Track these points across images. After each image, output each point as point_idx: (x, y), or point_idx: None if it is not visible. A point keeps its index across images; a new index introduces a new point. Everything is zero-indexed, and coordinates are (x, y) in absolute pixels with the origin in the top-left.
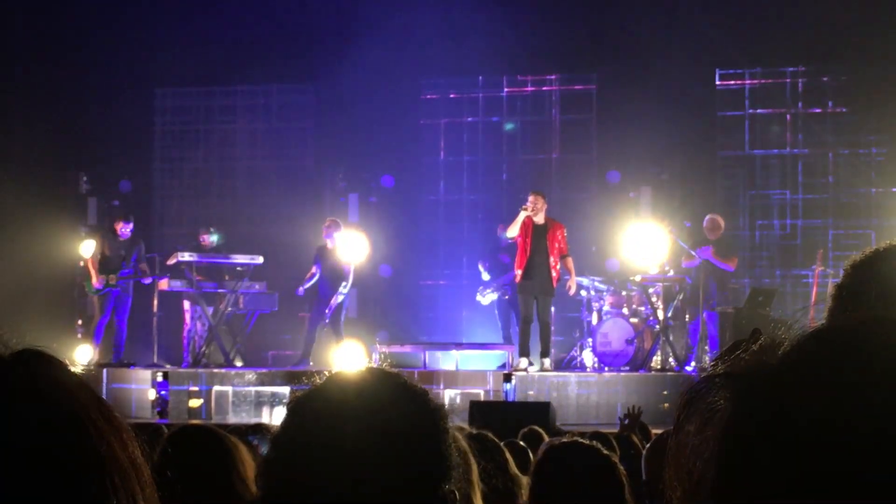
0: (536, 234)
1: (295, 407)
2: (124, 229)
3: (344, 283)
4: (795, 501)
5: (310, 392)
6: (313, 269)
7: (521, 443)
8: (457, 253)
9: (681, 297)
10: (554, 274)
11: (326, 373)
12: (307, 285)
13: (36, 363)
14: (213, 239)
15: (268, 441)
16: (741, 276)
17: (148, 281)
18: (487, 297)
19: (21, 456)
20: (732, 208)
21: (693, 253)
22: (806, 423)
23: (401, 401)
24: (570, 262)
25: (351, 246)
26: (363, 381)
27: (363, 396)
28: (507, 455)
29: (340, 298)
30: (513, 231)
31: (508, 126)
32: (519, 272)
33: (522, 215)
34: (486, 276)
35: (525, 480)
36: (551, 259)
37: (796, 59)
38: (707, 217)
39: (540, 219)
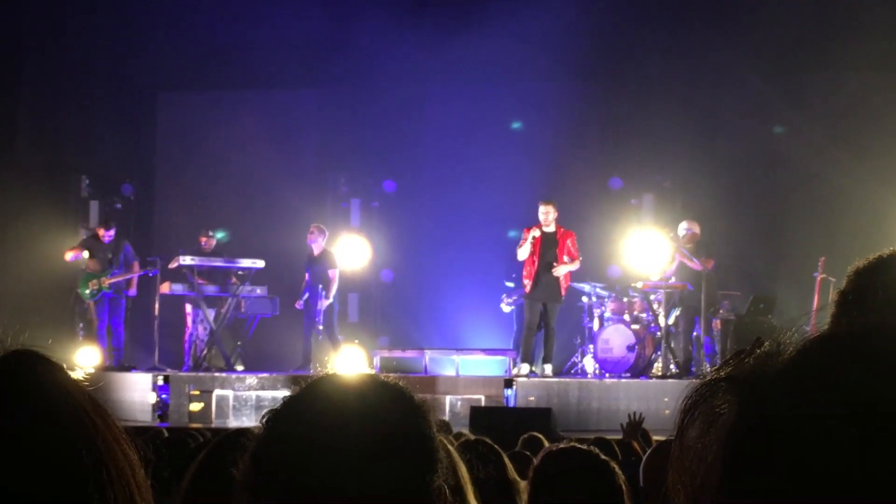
0: (546, 243)
1: (280, 410)
2: (106, 235)
3: (322, 287)
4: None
5: (294, 396)
6: (307, 278)
7: (527, 452)
8: (459, 258)
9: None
10: (563, 282)
11: (308, 379)
12: (305, 297)
13: (32, 363)
14: (217, 237)
15: (254, 442)
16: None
17: (135, 278)
18: (509, 306)
19: (19, 453)
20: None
21: (694, 261)
22: (810, 426)
23: (383, 397)
24: (574, 264)
25: (350, 251)
26: (345, 382)
27: (347, 395)
28: (506, 459)
29: (326, 304)
30: (523, 253)
31: (515, 125)
32: (528, 281)
33: (530, 239)
34: (510, 285)
35: (523, 485)
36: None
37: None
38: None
39: (550, 227)
